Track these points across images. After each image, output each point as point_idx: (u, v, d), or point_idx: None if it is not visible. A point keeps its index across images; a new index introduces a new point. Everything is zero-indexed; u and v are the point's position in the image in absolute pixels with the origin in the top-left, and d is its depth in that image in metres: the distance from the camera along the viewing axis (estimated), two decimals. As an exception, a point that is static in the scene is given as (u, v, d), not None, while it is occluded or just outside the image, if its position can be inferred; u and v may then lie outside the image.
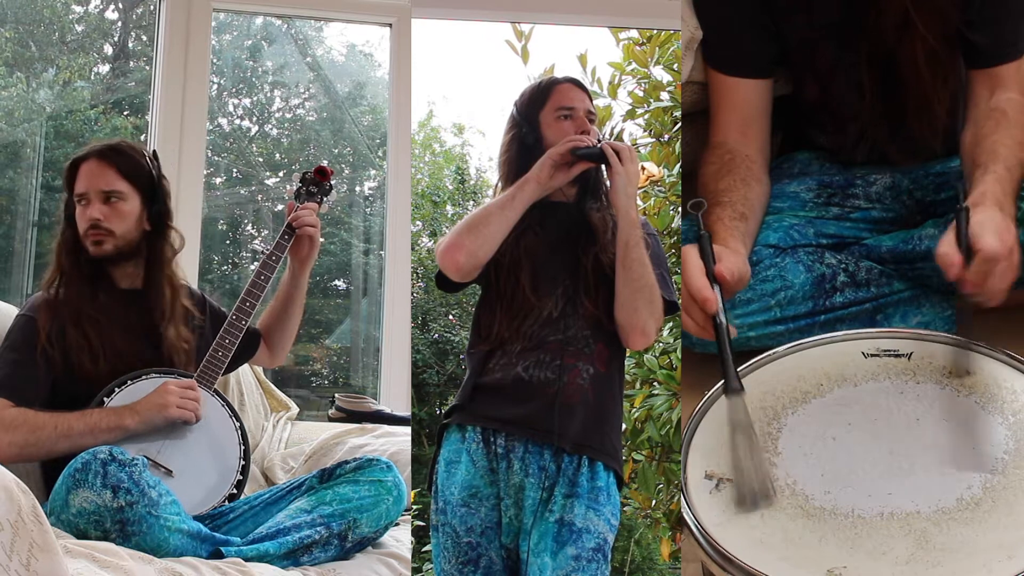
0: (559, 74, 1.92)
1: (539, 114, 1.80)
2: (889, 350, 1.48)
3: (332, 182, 2.13)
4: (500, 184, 1.83)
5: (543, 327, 1.68)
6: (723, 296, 1.46)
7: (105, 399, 1.81)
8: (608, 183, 1.77)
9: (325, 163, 2.13)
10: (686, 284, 1.48)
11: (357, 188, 4.14)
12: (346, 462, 1.87)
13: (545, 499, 1.61)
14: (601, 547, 1.60)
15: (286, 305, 2.12)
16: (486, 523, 1.63)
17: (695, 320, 1.49)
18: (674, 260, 2.65)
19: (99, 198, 1.91)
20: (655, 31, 2.83)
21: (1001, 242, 1.39)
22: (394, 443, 2.33)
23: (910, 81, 1.77)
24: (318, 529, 1.73)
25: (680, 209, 1.87)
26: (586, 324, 1.69)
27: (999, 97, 1.74)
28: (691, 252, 1.51)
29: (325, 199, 2.12)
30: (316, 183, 2.11)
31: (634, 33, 2.92)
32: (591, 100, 1.83)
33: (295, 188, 2.12)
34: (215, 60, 3.73)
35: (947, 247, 1.42)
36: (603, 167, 1.74)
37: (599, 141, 1.72)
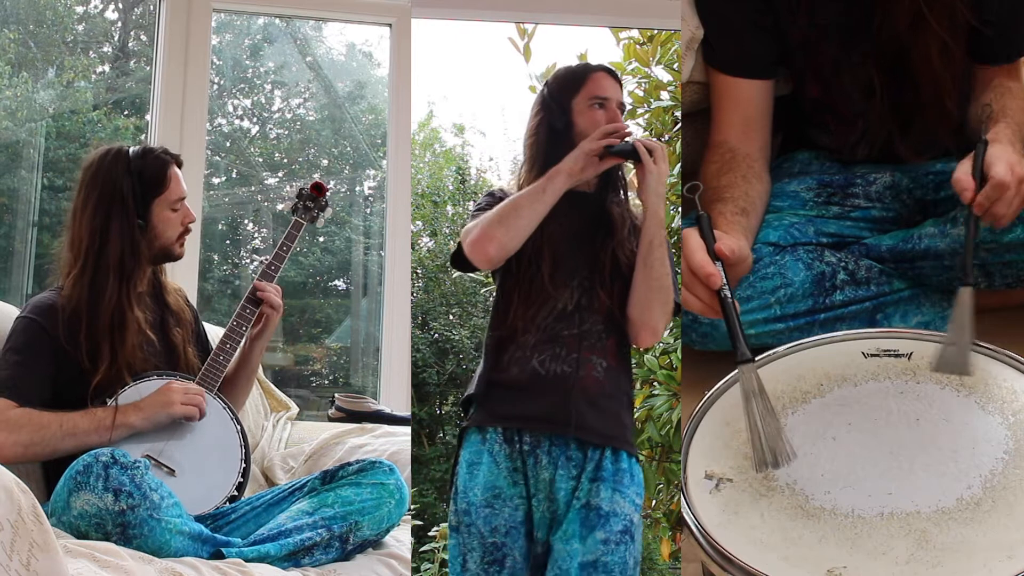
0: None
1: (572, 100, 1.77)
2: (889, 350, 1.48)
3: (328, 197, 2.15)
4: (525, 167, 1.80)
5: (558, 320, 1.68)
6: (725, 273, 1.47)
7: (108, 400, 1.81)
8: (628, 178, 1.78)
9: (318, 174, 2.16)
10: (688, 262, 1.49)
11: (357, 188, 4.14)
12: (348, 464, 1.87)
13: (574, 488, 1.63)
14: (628, 529, 1.62)
15: (236, 372, 2.08)
16: (510, 523, 1.63)
17: (699, 297, 1.50)
18: (675, 260, 2.65)
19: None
20: (656, 31, 2.83)
21: (1011, 172, 1.51)
22: (394, 443, 2.32)
23: (923, 77, 1.77)
24: (319, 531, 1.73)
25: (680, 209, 1.87)
26: (600, 319, 1.69)
27: (1003, 80, 1.80)
28: (691, 233, 1.52)
29: (320, 214, 2.15)
30: (312, 198, 2.14)
31: (635, 33, 2.92)
32: (623, 91, 1.81)
33: (292, 204, 2.15)
34: (215, 60, 3.73)
35: (962, 173, 1.55)
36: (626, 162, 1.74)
37: (631, 136, 1.71)
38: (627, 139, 1.68)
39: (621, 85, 1.81)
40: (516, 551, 1.63)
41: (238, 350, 2.03)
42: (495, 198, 1.77)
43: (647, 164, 1.65)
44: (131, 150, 1.95)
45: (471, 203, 6.21)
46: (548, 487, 1.63)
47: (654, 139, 1.78)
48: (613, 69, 1.81)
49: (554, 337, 1.67)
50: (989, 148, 1.56)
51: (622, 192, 1.79)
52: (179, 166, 2.00)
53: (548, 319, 1.68)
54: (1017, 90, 1.78)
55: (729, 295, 1.46)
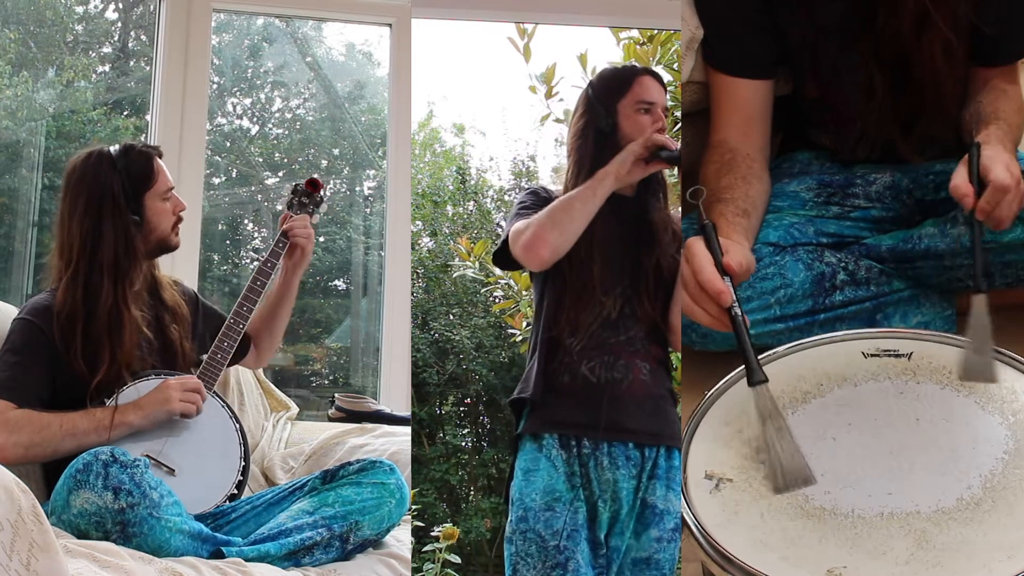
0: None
1: (618, 103, 1.78)
2: (889, 350, 1.48)
3: (323, 193, 2.18)
4: (572, 170, 1.80)
5: (603, 328, 1.71)
6: (734, 288, 1.46)
7: (106, 400, 1.81)
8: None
9: (318, 174, 2.18)
10: (697, 277, 1.47)
11: (357, 188, 4.14)
12: (349, 464, 1.87)
13: (636, 487, 1.67)
14: (678, 526, 1.68)
15: (275, 308, 2.15)
16: (571, 526, 1.64)
17: (708, 312, 1.49)
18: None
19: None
20: (656, 31, 2.83)
21: (1010, 174, 1.50)
22: (394, 443, 2.32)
23: (926, 78, 1.77)
24: (320, 531, 1.73)
25: (679, 209, 1.87)
26: (643, 326, 1.73)
27: (999, 83, 1.79)
28: (698, 244, 1.49)
29: (316, 210, 2.17)
30: (307, 194, 2.16)
31: (635, 33, 2.91)
32: (667, 95, 1.83)
33: (287, 199, 2.17)
34: (215, 60, 3.72)
35: (960, 180, 1.53)
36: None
37: (677, 143, 1.72)
38: (676, 147, 1.70)
39: (666, 89, 1.82)
40: (579, 555, 1.64)
41: (270, 286, 2.07)
42: (539, 197, 1.79)
43: None
44: (112, 149, 1.96)
45: (471, 203, 6.22)
46: (612, 487, 1.66)
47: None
48: (658, 73, 1.82)
49: (601, 344, 1.71)
50: (983, 151, 1.54)
51: (661, 196, 1.81)
52: (160, 157, 2.01)
53: (594, 325, 1.71)
54: (1014, 93, 1.78)
55: (740, 312, 1.43)
